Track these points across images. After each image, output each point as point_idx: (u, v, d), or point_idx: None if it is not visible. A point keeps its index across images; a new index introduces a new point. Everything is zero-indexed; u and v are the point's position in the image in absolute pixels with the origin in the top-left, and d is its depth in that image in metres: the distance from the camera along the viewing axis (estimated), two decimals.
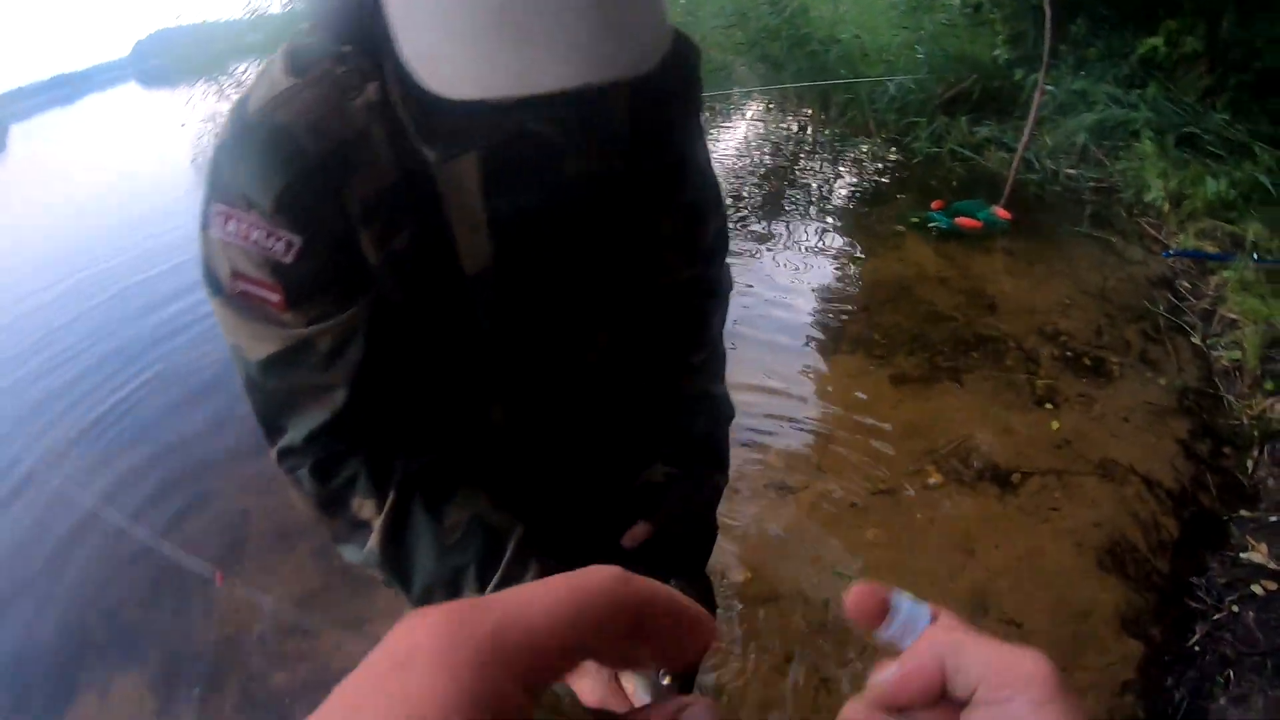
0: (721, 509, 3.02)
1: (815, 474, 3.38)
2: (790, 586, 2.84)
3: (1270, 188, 5.06)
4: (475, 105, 0.73)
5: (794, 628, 2.68)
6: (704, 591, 1.08)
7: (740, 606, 2.75)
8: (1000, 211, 5.49)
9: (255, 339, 0.92)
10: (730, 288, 1.30)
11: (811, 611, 2.73)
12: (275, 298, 0.89)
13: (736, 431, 3.54)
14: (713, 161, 1.22)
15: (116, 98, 25.66)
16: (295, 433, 0.96)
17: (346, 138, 0.86)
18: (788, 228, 5.63)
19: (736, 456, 3.40)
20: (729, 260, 1.31)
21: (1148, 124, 5.81)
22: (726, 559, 2.93)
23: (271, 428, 0.98)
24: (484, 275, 0.98)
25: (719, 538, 2.98)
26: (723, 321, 1.29)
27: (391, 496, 0.97)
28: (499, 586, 0.95)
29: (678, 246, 1.17)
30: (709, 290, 1.25)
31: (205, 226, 0.89)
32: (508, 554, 0.98)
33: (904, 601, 0.45)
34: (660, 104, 1.02)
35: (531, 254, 1.00)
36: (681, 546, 1.13)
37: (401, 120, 0.87)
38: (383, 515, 0.96)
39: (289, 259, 0.86)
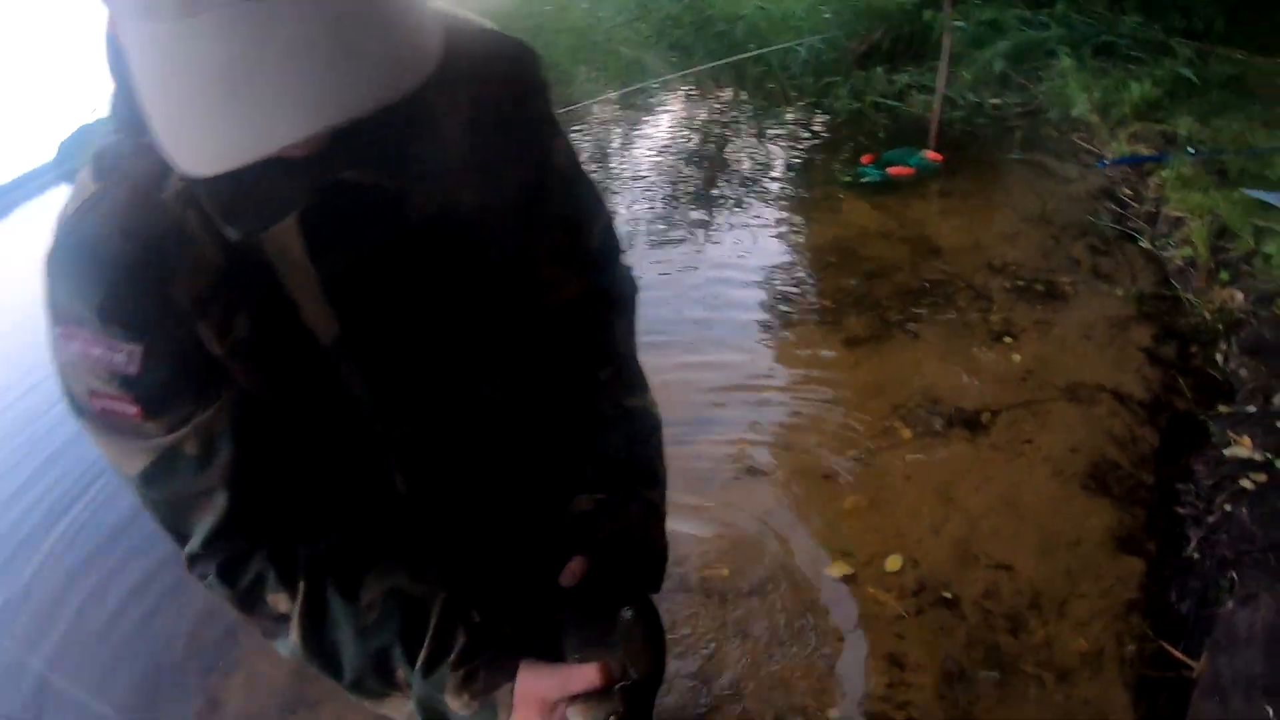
0: (693, 500, 2.96)
1: (783, 450, 3.25)
2: (773, 571, 2.70)
3: (1194, 79, 4.99)
4: (249, 174, 0.67)
5: (783, 613, 2.54)
6: (651, 622, 0.98)
7: (723, 599, 2.61)
8: (930, 154, 5.41)
9: (127, 455, 0.89)
10: (634, 291, 1.20)
11: (799, 593, 2.60)
12: (132, 410, 0.85)
13: (697, 420, 3.43)
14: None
15: (47, 204, 25.30)
16: (195, 539, 0.92)
17: (159, 232, 0.82)
18: (724, 206, 5.52)
19: (700, 447, 3.28)
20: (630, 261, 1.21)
21: (1062, 40, 5.76)
22: (703, 552, 2.79)
23: (176, 536, 0.94)
24: (339, 344, 0.92)
25: (693, 532, 2.91)
26: (630, 329, 1.20)
27: (302, 585, 0.93)
28: (429, 660, 0.91)
29: (560, 261, 1.08)
30: (606, 299, 1.15)
31: (53, 352, 0.86)
32: (431, 625, 0.93)
33: None
34: (500, 119, 0.94)
35: (378, 311, 0.93)
36: (625, 574, 1.04)
37: None
38: (296, 606, 0.93)
39: (134, 369, 0.83)
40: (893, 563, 2.64)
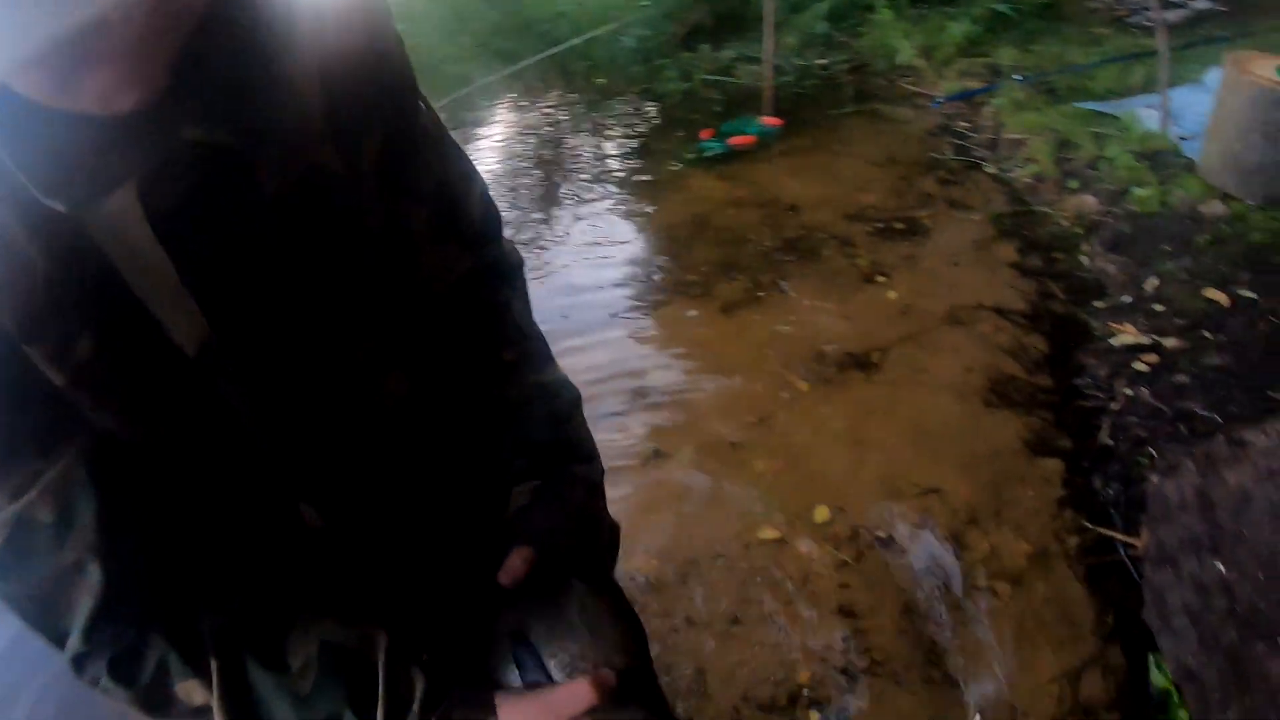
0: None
1: (683, 429, 3.13)
2: (704, 548, 2.58)
3: (1009, 12, 5.20)
4: (72, 138, 0.60)
5: (724, 591, 2.42)
6: (615, 599, 0.93)
7: (659, 590, 2.47)
8: (768, 120, 5.44)
9: None
10: (520, 264, 1.09)
11: (736, 567, 2.48)
12: None
13: (587, 410, 3.27)
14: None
15: None
16: (75, 634, 0.75)
17: None
18: (571, 200, 5.41)
19: (598, 438, 3.13)
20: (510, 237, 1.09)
21: None
22: (627, 546, 2.62)
23: (53, 637, 0.76)
24: (209, 352, 0.75)
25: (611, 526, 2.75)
26: (525, 303, 1.08)
27: (215, 665, 0.76)
28: (391, 716, 0.77)
29: (442, 236, 0.95)
30: (497, 274, 1.04)
31: None
32: (381, 677, 0.79)
33: None
34: (356, 70, 0.81)
35: (251, 304, 0.77)
36: (574, 557, 0.93)
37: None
38: (214, 692, 0.76)
39: None
40: (820, 514, 2.57)
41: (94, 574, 0.73)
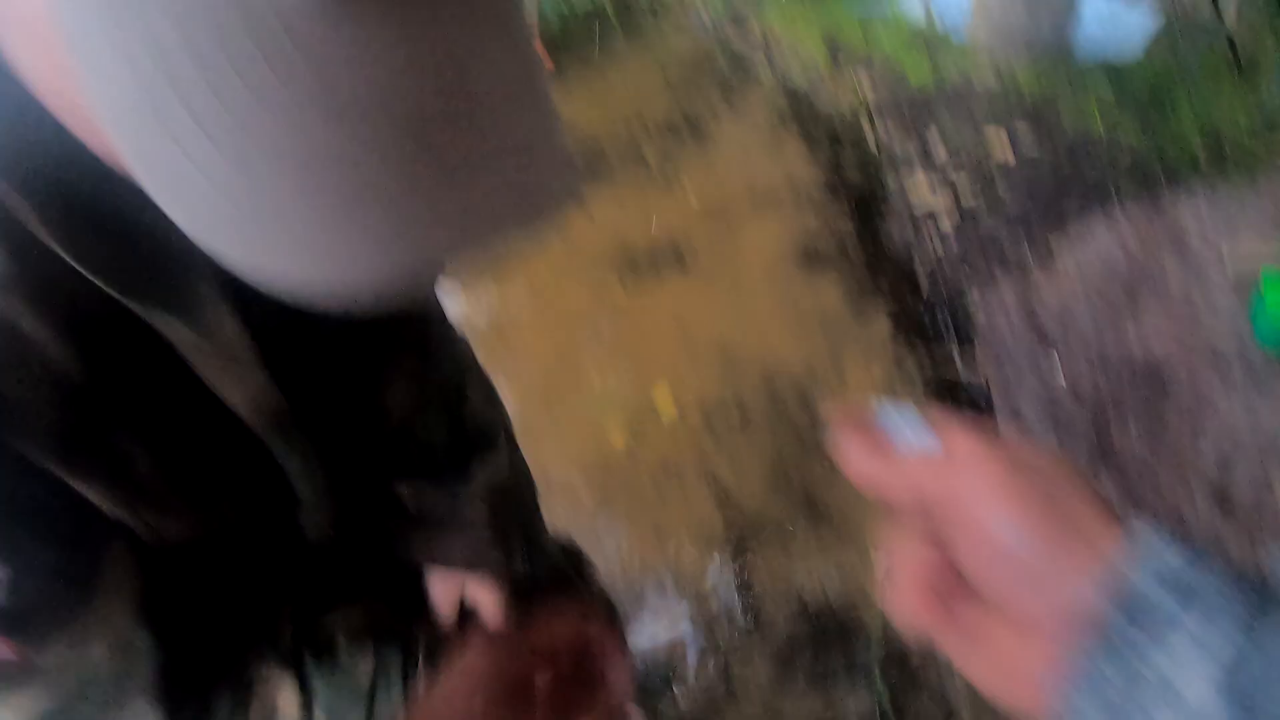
0: None
1: (510, 356, 3.00)
2: (560, 468, 2.47)
3: None
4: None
5: (593, 503, 2.33)
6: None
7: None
8: None
9: (13, 711, 0.60)
10: None
11: (596, 479, 2.41)
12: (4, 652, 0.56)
13: None
14: None
15: None
16: None
17: None
18: None
19: None
20: None
21: None
22: None
23: None
24: (279, 422, 0.68)
25: None
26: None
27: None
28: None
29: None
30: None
31: None
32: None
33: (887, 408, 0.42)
34: None
35: (315, 366, 0.71)
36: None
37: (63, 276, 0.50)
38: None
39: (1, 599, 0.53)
40: (666, 406, 2.52)
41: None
